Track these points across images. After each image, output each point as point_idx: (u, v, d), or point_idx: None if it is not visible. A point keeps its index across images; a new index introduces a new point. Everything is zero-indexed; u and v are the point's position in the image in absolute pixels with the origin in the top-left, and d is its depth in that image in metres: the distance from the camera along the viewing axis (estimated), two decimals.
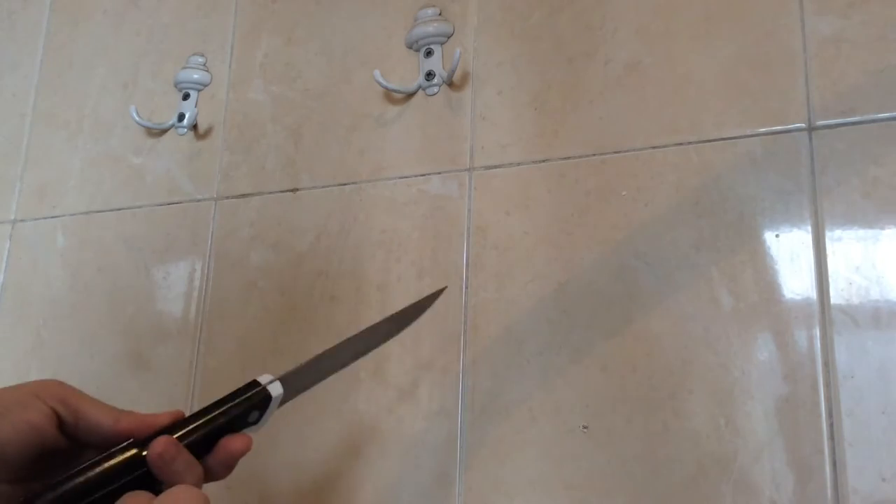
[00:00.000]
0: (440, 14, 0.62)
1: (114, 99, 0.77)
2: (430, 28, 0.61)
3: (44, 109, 0.81)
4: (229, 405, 0.37)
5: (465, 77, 0.59)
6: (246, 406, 0.37)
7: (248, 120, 0.68)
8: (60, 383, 0.37)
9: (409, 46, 0.63)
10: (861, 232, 0.45)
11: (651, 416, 0.47)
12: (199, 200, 0.69)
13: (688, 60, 0.52)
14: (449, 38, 0.61)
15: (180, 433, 0.35)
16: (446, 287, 0.54)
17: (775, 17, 0.50)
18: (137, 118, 0.71)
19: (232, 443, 0.37)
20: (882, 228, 0.44)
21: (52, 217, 0.76)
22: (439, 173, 0.58)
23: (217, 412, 0.36)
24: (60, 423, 0.37)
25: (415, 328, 0.56)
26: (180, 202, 0.69)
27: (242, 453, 0.38)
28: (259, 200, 0.66)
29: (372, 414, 0.56)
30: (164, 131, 0.72)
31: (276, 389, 0.38)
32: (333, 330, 0.59)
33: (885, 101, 0.46)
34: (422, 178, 0.59)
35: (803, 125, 0.47)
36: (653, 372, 0.48)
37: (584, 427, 0.49)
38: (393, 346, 0.56)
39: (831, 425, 0.43)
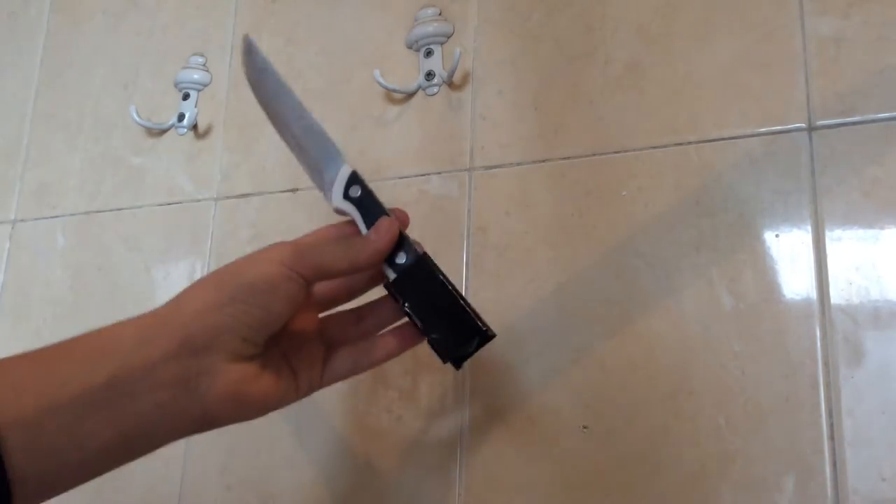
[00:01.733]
0: (440, 14, 0.62)
1: (114, 99, 0.77)
2: (430, 28, 0.61)
3: (44, 109, 0.81)
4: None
5: (465, 77, 0.59)
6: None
7: (248, 120, 0.68)
8: (293, 245, 0.40)
9: (409, 46, 0.63)
10: (861, 232, 0.45)
11: (651, 416, 0.47)
12: (199, 200, 0.69)
13: (688, 60, 0.52)
14: (449, 38, 0.61)
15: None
16: None
17: (775, 17, 0.50)
18: (137, 118, 0.71)
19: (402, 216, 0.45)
20: (882, 228, 0.44)
21: (52, 217, 0.76)
22: (439, 173, 0.58)
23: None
24: (305, 287, 0.39)
25: None
26: (180, 202, 0.69)
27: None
28: (259, 200, 0.66)
29: (372, 414, 0.56)
30: (164, 131, 0.72)
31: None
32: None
33: (885, 101, 0.46)
34: (422, 178, 0.59)
35: (803, 125, 0.47)
36: (653, 372, 0.48)
37: (584, 427, 0.49)
38: None
39: (831, 425, 0.43)
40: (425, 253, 0.42)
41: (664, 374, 0.48)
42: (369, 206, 0.43)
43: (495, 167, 0.56)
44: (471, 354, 0.42)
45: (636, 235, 0.50)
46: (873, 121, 0.46)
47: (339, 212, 0.44)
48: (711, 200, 0.49)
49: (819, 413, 0.43)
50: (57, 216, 0.76)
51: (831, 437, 0.43)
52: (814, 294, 0.45)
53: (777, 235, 0.47)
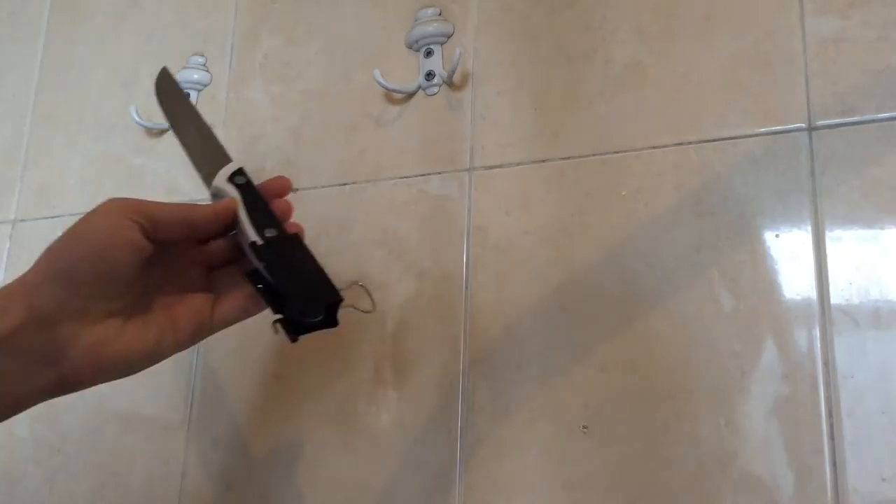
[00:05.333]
0: (440, 14, 0.62)
1: (114, 99, 0.77)
2: (430, 28, 0.61)
3: (44, 109, 0.81)
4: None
5: (465, 77, 0.59)
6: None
7: (248, 120, 0.68)
8: (125, 199, 0.40)
9: (409, 46, 0.63)
10: (861, 232, 0.45)
11: (651, 416, 0.47)
12: (198, 201, 0.69)
13: (688, 60, 0.52)
14: (449, 38, 0.61)
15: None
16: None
17: (775, 17, 0.50)
18: (137, 118, 0.71)
19: (280, 181, 0.49)
20: (882, 228, 0.44)
21: (52, 217, 0.76)
22: (439, 173, 0.58)
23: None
24: (145, 234, 0.40)
25: (414, 327, 0.56)
26: (180, 202, 0.69)
27: (290, 188, 0.49)
28: None
29: (372, 414, 0.56)
30: (164, 131, 0.72)
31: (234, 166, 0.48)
32: (333, 330, 0.59)
33: (885, 101, 0.46)
34: (422, 178, 0.59)
35: (803, 125, 0.47)
36: (653, 372, 0.48)
37: (584, 427, 0.49)
38: (393, 346, 0.56)
39: (831, 425, 0.43)
40: (297, 234, 0.46)
41: (664, 374, 0.48)
42: (252, 193, 0.46)
43: (495, 167, 0.56)
44: (319, 324, 0.44)
45: (636, 235, 0.50)
46: (873, 121, 0.46)
47: (217, 193, 0.48)
48: (711, 200, 0.49)
49: (819, 413, 0.43)
50: (57, 216, 0.76)
51: (831, 437, 0.43)
52: (814, 294, 0.45)
53: (777, 235, 0.47)
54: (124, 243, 0.39)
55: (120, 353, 0.39)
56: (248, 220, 0.44)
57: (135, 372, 0.41)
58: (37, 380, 0.37)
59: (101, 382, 0.39)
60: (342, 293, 0.45)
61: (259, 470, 0.59)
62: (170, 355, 0.42)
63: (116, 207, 0.39)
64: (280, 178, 0.48)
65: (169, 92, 0.55)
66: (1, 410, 0.37)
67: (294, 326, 0.44)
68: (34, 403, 0.38)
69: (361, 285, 0.50)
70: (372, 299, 0.51)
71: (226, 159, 0.49)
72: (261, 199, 0.46)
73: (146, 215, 0.40)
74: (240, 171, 0.48)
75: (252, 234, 0.44)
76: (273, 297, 0.43)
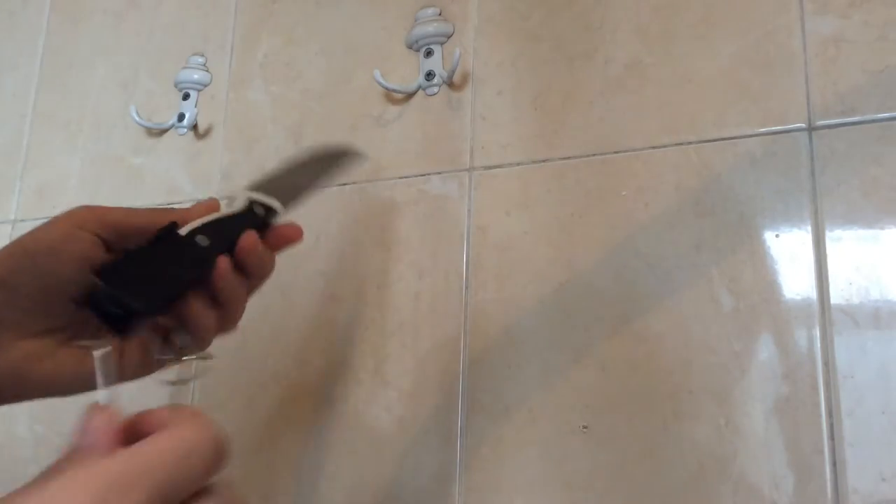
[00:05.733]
0: (440, 14, 0.62)
1: (114, 99, 0.77)
2: (430, 28, 0.61)
3: (44, 109, 0.81)
4: (252, 210, 0.42)
5: (465, 77, 0.59)
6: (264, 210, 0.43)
7: (248, 120, 0.68)
8: (89, 208, 0.37)
9: (409, 46, 0.63)
10: (861, 232, 0.45)
11: (651, 416, 0.47)
12: (198, 200, 0.69)
13: (688, 60, 0.52)
14: (449, 38, 0.61)
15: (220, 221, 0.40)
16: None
17: (775, 17, 0.50)
18: (137, 118, 0.71)
19: (288, 230, 0.43)
20: (882, 228, 0.44)
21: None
22: (439, 173, 0.58)
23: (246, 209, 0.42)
24: (106, 246, 0.37)
25: (415, 328, 0.56)
26: (180, 202, 0.69)
27: (298, 239, 0.43)
28: None
29: (372, 414, 0.56)
30: (164, 131, 0.72)
31: (277, 205, 0.43)
32: (333, 330, 0.59)
33: (885, 101, 0.46)
34: (422, 178, 0.59)
35: (803, 125, 0.47)
36: (653, 372, 0.48)
37: (584, 427, 0.49)
38: (393, 346, 0.57)
39: (831, 425, 0.43)
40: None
41: (664, 374, 0.48)
42: (240, 223, 0.42)
43: (495, 167, 0.56)
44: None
45: (636, 235, 0.50)
46: (873, 121, 0.46)
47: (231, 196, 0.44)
48: (711, 200, 0.49)
49: (819, 413, 0.43)
50: None
51: (831, 437, 0.43)
52: (814, 294, 0.45)
53: (777, 235, 0.47)
54: (75, 258, 0.35)
55: (48, 375, 0.35)
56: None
57: (67, 395, 0.36)
58: None
59: (25, 400, 0.36)
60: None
61: (259, 470, 0.59)
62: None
63: (77, 218, 0.36)
64: (293, 226, 0.44)
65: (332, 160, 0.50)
66: None
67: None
68: None
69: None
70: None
71: (269, 193, 0.44)
72: (233, 233, 0.41)
73: (110, 226, 0.37)
74: (269, 209, 0.43)
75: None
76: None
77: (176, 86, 0.72)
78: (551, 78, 0.56)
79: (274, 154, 0.66)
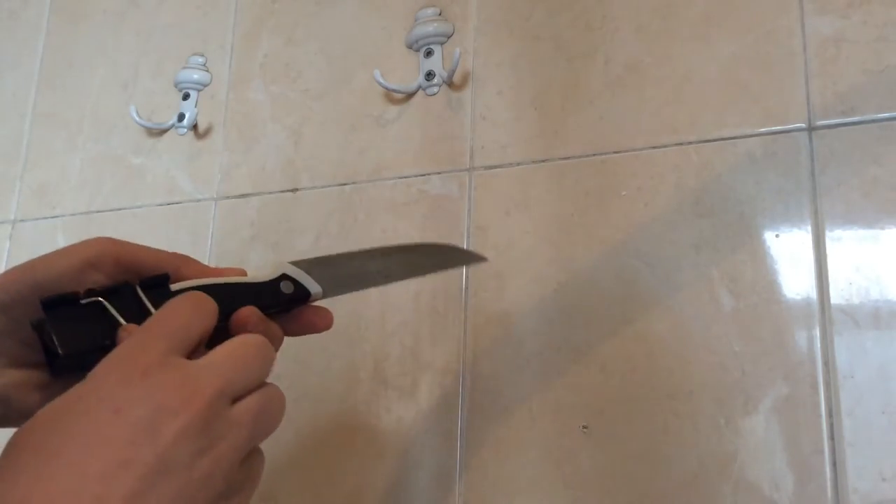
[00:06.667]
0: (440, 14, 0.62)
1: (114, 99, 0.77)
2: (430, 28, 0.61)
3: (44, 109, 0.81)
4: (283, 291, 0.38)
5: (465, 77, 0.59)
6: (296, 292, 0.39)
7: (248, 120, 0.68)
8: (111, 241, 0.35)
9: (409, 46, 0.63)
10: (861, 232, 0.45)
11: (651, 416, 0.47)
12: (198, 200, 0.69)
13: (688, 60, 0.52)
14: (449, 38, 0.61)
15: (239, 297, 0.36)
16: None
17: (775, 17, 0.50)
18: (137, 118, 0.71)
19: (315, 316, 0.39)
20: (882, 228, 0.44)
21: (52, 217, 0.76)
22: (439, 173, 0.58)
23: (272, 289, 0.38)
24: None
25: (414, 328, 0.56)
26: (180, 202, 0.69)
27: (323, 329, 0.40)
28: (259, 200, 0.66)
29: (372, 414, 0.56)
30: (164, 131, 0.72)
31: (314, 287, 0.39)
32: (333, 329, 0.59)
33: (885, 101, 0.46)
34: (422, 178, 0.59)
35: (803, 125, 0.47)
36: (653, 372, 0.48)
37: (584, 427, 0.49)
38: (393, 346, 0.56)
39: (831, 425, 0.43)
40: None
41: (664, 374, 0.48)
42: (248, 294, 0.37)
43: (495, 167, 0.56)
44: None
45: (636, 235, 0.50)
46: (873, 121, 0.46)
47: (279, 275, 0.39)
48: (711, 200, 0.49)
49: (819, 413, 0.43)
50: (57, 216, 0.76)
51: (831, 437, 0.43)
52: (814, 294, 0.45)
53: (777, 235, 0.47)
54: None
55: (35, 406, 0.33)
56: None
57: None
58: None
59: (7, 427, 0.33)
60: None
61: None
62: None
63: (93, 252, 0.34)
64: (322, 314, 0.40)
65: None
66: None
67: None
68: None
69: None
70: None
71: (321, 273, 0.40)
72: (235, 303, 0.36)
73: (125, 266, 0.35)
74: (301, 288, 0.39)
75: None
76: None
77: (176, 86, 0.72)
78: (551, 78, 0.56)
79: (274, 154, 0.66)
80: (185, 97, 0.71)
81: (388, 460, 0.55)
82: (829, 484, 0.42)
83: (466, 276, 0.55)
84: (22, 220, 0.78)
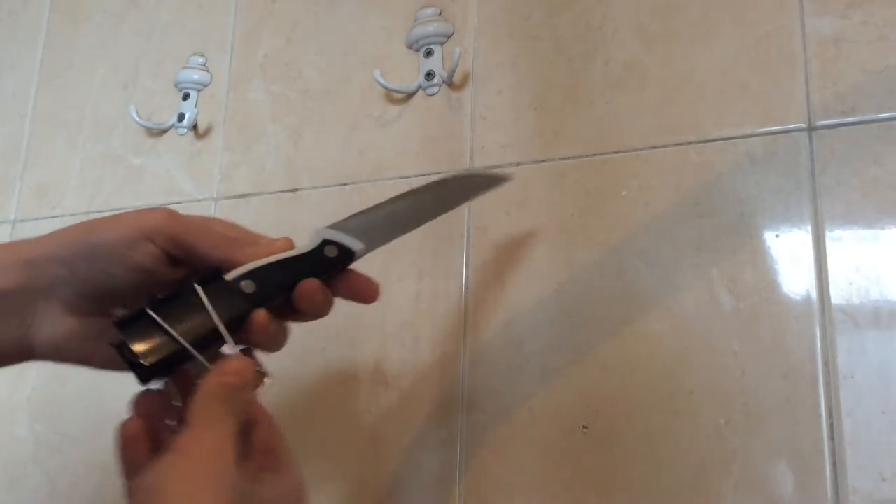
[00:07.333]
0: (440, 14, 0.62)
1: (114, 99, 0.77)
2: (430, 28, 0.61)
3: (44, 109, 0.81)
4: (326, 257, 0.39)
5: (465, 77, 0.59)
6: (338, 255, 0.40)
7: (248, 120, 0.68)
8: (170, 218, 0.37)
9: (409, 46, 0.63)
10: (861, 232, 0.45)
11: (651, 416, 0.47)
12: (199, 200, 0.69)
13: (688, 60, 0.52)
14: (449, 38, 0.61)
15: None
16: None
17: (775, 17, 0.50)
18: (137, 118, 0.71)
19: (366, 284, 0.41)
20: (882, 228, 0.44)
21: (52, 217, 0.76)
22: (439, 173, 0.58)
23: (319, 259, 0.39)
24: (171, 260, 0.37)
25: (415, 328, 0.56)
26: (180, 202, 0.69)
27: (370, 299, 0.41)
28: (259, 200, 0.66)
29: (372, 414, 0.56)
30: (164, 131, 0.72)
31: (356, 245, 0.40)
32: (333, 330, 0.59)
33: (885, 101, 0.46)
34: (422, 178, 0.59)
35: (803, 125, 0.47)
36: (653, 372, 0.48)
37: (584, 427, 0.49)
38: (393, 346, 0.57)
39: (831, 425, 0.43)
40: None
41: (664, 374, 0.48)
42: (303, 266, 0.40)
43: (495, 167, 0.56)
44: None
45: (636, 235, 0.50)
46: (873, 121, 0.46)
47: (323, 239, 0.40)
48: (711, 200, 0.49)
49: (819, 413, 0.43)
50: (57, 216, 0.76)
51: (831, 437, 0.43)
52: (814, 294, 0.45)
53: (777, 235, 0.47)
54: (133, 267, 0.36)
55: (86, 353, 0.38)
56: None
57: (100, 370, 0.39)
58: (8, 338, 0.37)
59: (60, 363, 0.39)
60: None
61: None
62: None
63: (149, 226, 0.36)
64: (371, 285, 0.41)
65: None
66: None
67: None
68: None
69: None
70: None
71: (357, 229, 0.41)
72: (290, 278, 0.38)
73: (179, 245, 0.36)
74: (346, 250, 0.40)
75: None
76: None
77: (176, 86, 0.72)
78: (551, 78, 0.56)
79: (274, 154, 0.66)
80: (185, 97, 0.72)
81: (388, 461, 0.55)
82: (829, 484, 0.42)
83: (466, 276, 0.55)
84: (22, 220, 0.78)
